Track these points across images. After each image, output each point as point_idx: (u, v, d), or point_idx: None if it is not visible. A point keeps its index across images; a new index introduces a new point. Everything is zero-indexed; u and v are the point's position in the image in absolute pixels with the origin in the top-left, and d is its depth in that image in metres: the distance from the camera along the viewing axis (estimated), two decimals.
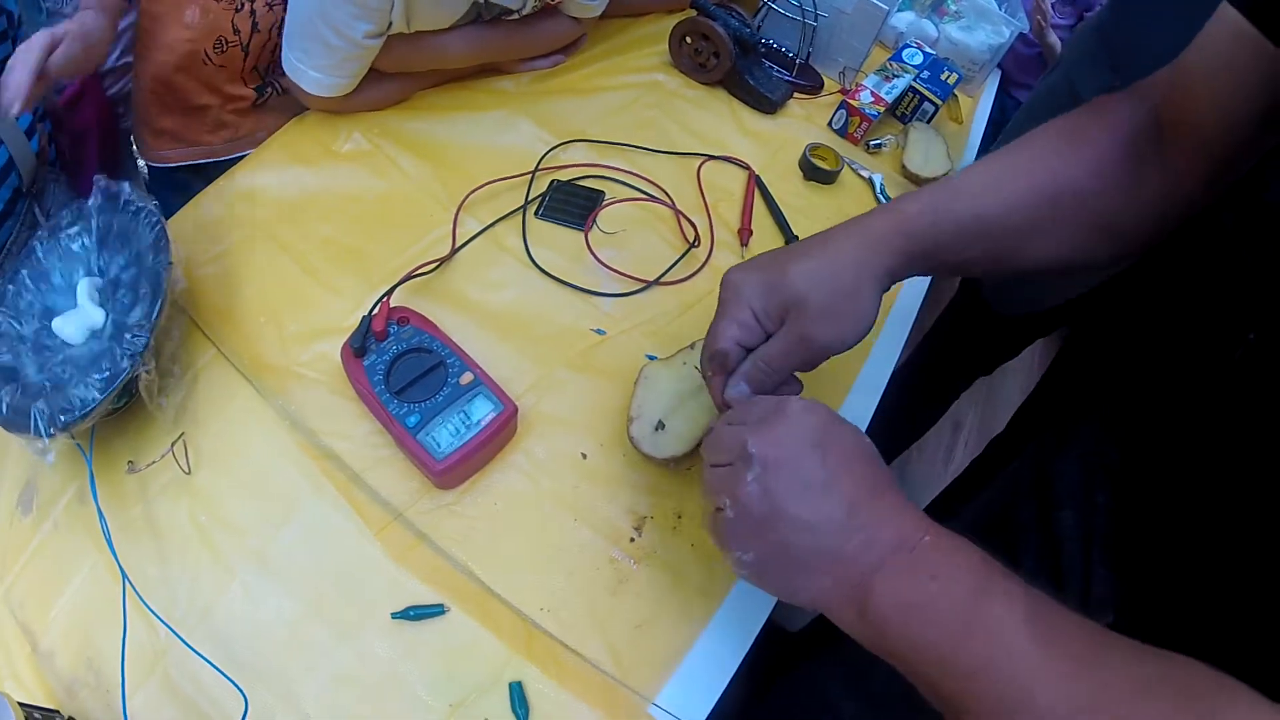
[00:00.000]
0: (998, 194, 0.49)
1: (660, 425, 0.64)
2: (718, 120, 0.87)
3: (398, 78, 0.83)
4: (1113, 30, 0.88)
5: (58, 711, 0.61)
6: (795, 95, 0.92)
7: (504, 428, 0.64)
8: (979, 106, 1.04)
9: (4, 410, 0.67)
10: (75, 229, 0.78)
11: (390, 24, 0.77)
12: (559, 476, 0.66)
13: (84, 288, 0.75)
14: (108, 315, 0.73)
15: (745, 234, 0.78)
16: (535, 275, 0.73)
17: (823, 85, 0.95)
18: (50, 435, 0.64)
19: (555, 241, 0.76)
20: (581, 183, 0.79)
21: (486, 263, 0.74)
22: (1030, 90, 1.38)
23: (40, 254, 0.78)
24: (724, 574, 0.64)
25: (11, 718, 0.55)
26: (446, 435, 0.63)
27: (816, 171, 0.85)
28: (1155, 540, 0.50)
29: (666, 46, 0.91)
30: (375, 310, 0.67)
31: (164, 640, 0.59)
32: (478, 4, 0.81)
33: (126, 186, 0.75)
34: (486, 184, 0.76)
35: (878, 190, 0.87)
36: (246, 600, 0.62)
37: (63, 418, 0.64)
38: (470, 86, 0.87)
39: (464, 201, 0.76)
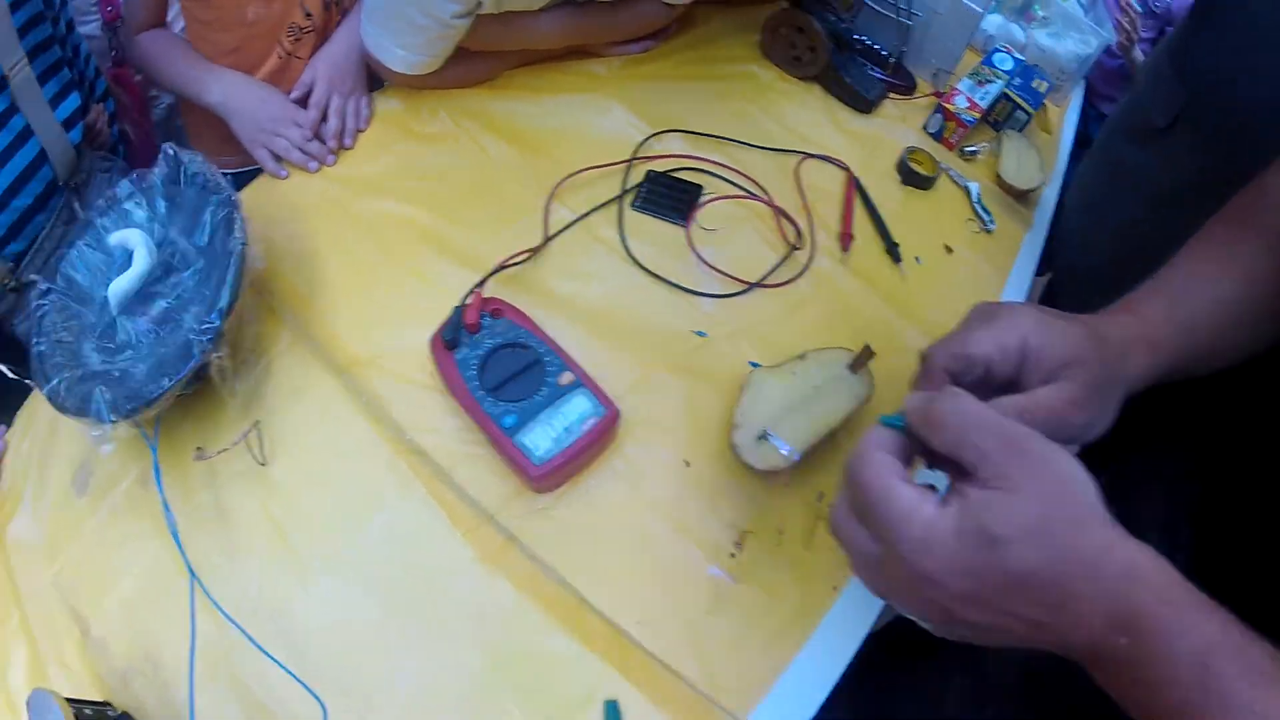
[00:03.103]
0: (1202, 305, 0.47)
1: (764, 435, 0.61)
2: (814, 117, 0.84)
3: (484, 56, 0.80)
4: (1181, 50, 0.86)
5: (109, 704, 0.58)
6: (889, 95, 0.89)
7: (605, 432, 0.61)
8: (1066, 117, 1.01)
9: (61, 393, 0.64)
10: (137, 200, 0.74)
11: (479, 3, 0.73)
12: (660, 485, 0.63)
13: (136, 238, 0.70)
14: (167, 281, 0.69)
15: (846, 239, 0.75)
16: (632, 270, 0.70)
17: (915, 86, 0.91)
18: (112, 422, 0.60)
19: (652, 235, 0.72)
20: (678, 175, 0.75)
21: (579, 254, 0.70)
22: (1114, 103, 1.35)
23: (99, 228, 0.73)
24: (823, 594, 0.61)
25: (60, 716, 0.52)
26: (545, 438, 0.60)
27: (914, 176, 0.82)
28: (1240, 581, 0.48)
29: (757, 37, 0.88)
30: (468, 300, 0.64)
31: (231, 637, 0.56)
32: None
33: (198, 158, 0.71)
34: (581, 171, 0.72)
35: (974, 199, 0.83)
36: (325, 601, 0.60)
37: (127, 405, 0.61)
38: (559, 68, 0.83)
39: (556, 188, 0.72)
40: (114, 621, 0.62)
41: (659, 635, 0.58)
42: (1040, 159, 0.89)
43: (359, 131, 0.78)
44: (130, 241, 0.70)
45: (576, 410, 0.60)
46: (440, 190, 0.74)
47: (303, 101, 0.80)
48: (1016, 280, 0.81)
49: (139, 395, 0.61)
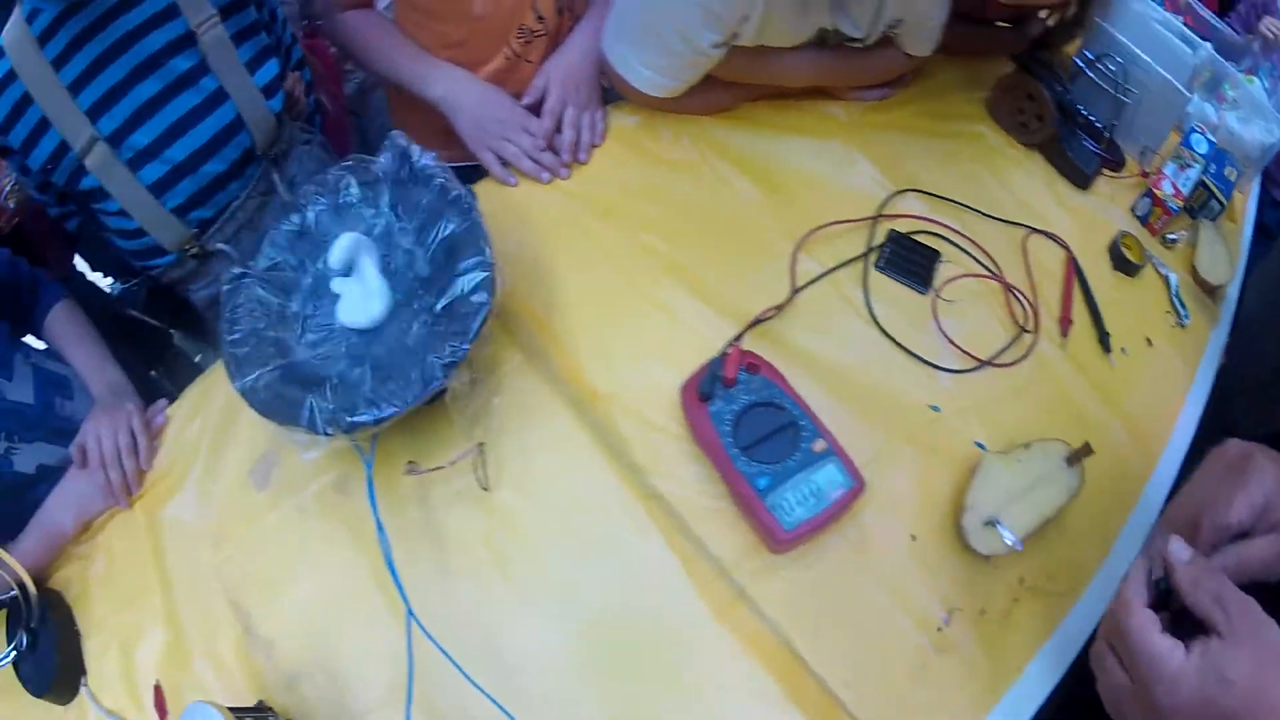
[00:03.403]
0: None
1: (992, 522, 0.63)
2: (1035, 186, 0.83)
3: (727, 86, 0.78)
4: None
5: (270, 709, 0.58)
6: (1101, 171, 0.88)
7: (851, 503, 0.62)
8: (1248, 206, 1.01)
9: (261, 394, 0.60)
10: (358, 191, 0.69)
11: (737, 35, 0.71)
12: (885, 555, 0.64)
13: (367, 261, 0.66)
14: (398, 300, 0.66)
15: (1065, 324, 0.75)
16: (874, 333, 0.70)
17: (1124, 163, 0.91)
18: (328, 435, 0.58)
19: (894, 299, 0.72)
20: (916, 237, 0.75)
21: (825, 311, 0.70)
22: None
23: (310, 214, 0.68)
24: (1010, 673, 0.63)
25: None
26: (796, 504, 0.60)
27: (1124, 262, 0.81)
28: None
29: (983, 94, 0.86)
30: (727, 351, 0.63)
31: (430, 656, 0.56)
32: (825, 30, 0.75)
33: (430, 156, 0.67)
34: (831, 224, 0.72)
35: (1172, 292, 0.84)
36: (541, 635, 0.60)
37: (348, 419, 0.58)
38: (797, 106, 0.82)
39: (805, 239, 0.71)
40: (286, 623, 0.62)
41: (862, 698, 0.59)
42: (1229, 253, 0.90)
43: (594, 146, 0.76)
44: (359, 254, 0.66)
45: (827, 479, 0.61)
46: (683, 221, 0.73)
47: (534, 109, 0.77)
48: (1202, 380, 0.82)
49: (365, 413, 0.58)
